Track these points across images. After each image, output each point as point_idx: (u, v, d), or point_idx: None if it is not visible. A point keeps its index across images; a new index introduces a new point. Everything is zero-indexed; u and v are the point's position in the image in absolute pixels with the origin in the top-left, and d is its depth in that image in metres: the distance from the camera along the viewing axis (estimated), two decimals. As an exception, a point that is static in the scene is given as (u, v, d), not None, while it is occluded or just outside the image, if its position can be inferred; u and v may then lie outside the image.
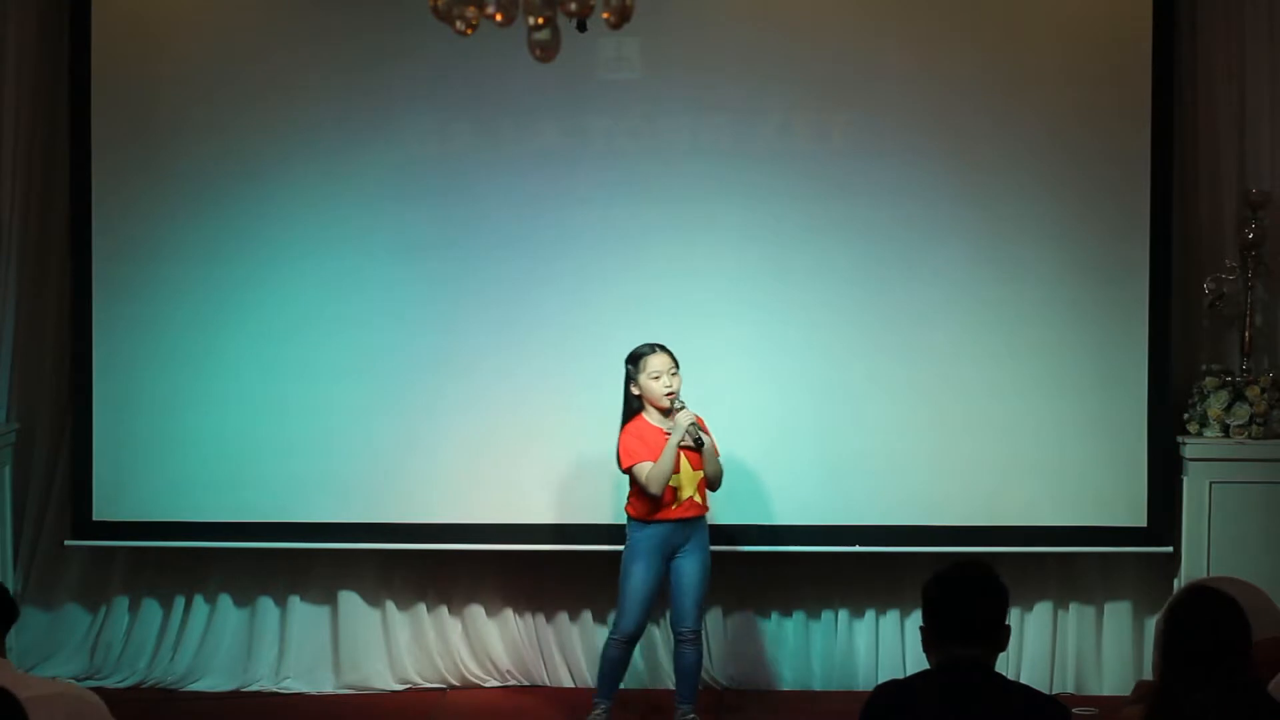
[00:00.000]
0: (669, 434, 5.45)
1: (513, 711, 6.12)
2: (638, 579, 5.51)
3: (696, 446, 5.44)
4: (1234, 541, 5.95)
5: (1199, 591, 3.35)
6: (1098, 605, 6.27)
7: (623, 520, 5.65)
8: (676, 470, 5.45)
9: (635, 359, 5.51)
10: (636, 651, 6.17)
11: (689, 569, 5.54)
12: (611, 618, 5.77)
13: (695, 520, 5.53)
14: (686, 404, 5.48)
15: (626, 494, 5.59)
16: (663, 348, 5.51)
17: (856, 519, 6.07)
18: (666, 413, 5.48)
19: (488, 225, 6.13)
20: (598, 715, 5.60)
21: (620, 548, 5.63)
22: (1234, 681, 3.14)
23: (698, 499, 5.52)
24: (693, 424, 5.43)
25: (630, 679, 6.21)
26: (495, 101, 6.10)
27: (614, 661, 5.60)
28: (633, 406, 5.54)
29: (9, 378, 6.34)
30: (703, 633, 5.70)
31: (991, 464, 6.07)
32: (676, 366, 5.50)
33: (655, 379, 5.46)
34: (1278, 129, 6.16)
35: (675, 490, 5.47)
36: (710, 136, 6.09)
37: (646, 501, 5.47)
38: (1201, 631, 3.21)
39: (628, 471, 5.49)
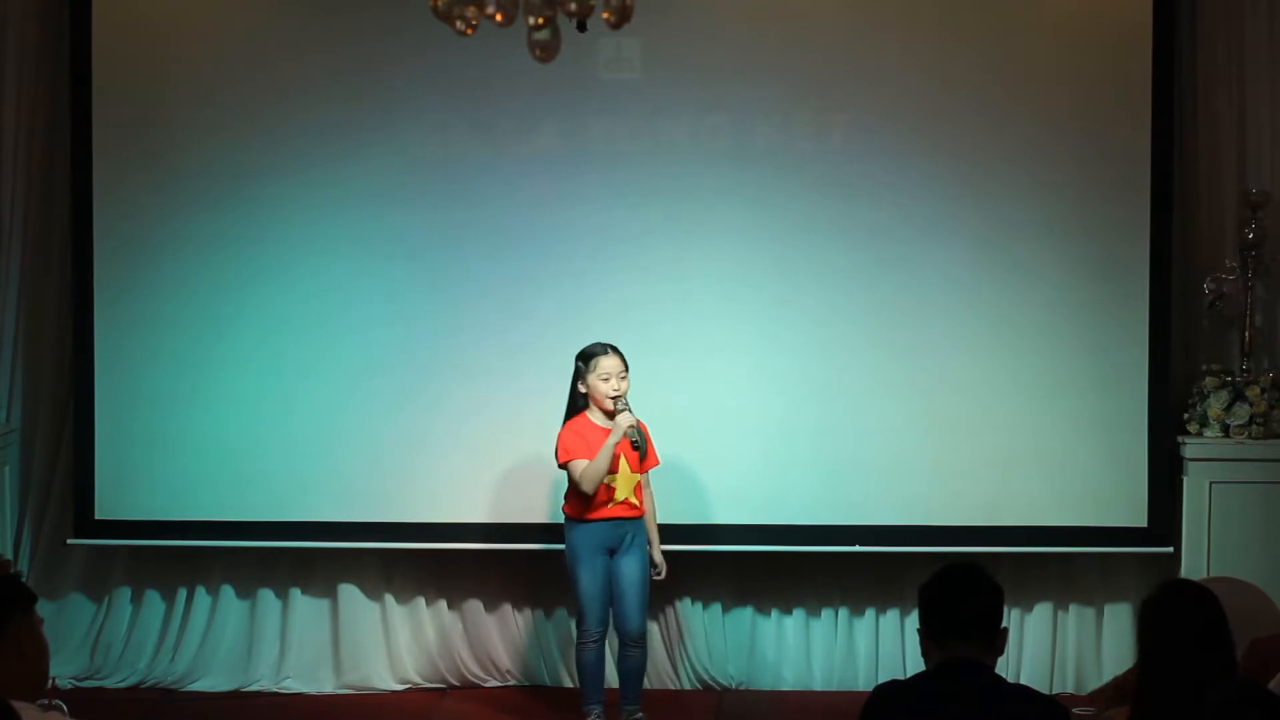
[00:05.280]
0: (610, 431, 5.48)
1: (513, 711, 6.12)
2: (587, 580, 5.52)
3: (636, 449, 5.45)
4: (1234, 541, 5.95)
5: (1173, 584, 3.37)
6: (1098, 606, 6.27)
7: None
8: (614, 471, 5.47)
9: (587, 357, 5.52)
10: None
11: (629, 570, 5.55)
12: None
13: (632, 521, 5.55)
14: (631, 407, 5.48)
15: (563, 491, 5.60)
16: (615, 349, 5.53)
17: (856, 519, 6.07)
18: (611, 414, 5.50)
19: (488, 226, 6.13)
20: None
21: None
22: (1218, 674, 3.14)
23: (634, 501, 5.54)
24: (633, 426, 5.43)
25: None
26: (496, 102, 6.10)
27: (592, 664, 5.60)
28: (577, 404, 5.55)
29: (9, 377, 6.34)
30: (647, 635, 5.68)
31: (991, 464, 6.07)
32: (626, 370, 5.51)
33: (604, 380, 5.47)
34: (1278, 129, 6.16)
35: (611, 490, 5.48)
36: (710, 136, 6.09)
37: (581, 500, 5.49)
38: (1178, 621, 3.22)
39: (564, 467, 5.50)
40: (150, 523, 6.20)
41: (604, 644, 5.63)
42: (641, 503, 5.59)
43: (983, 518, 6.05)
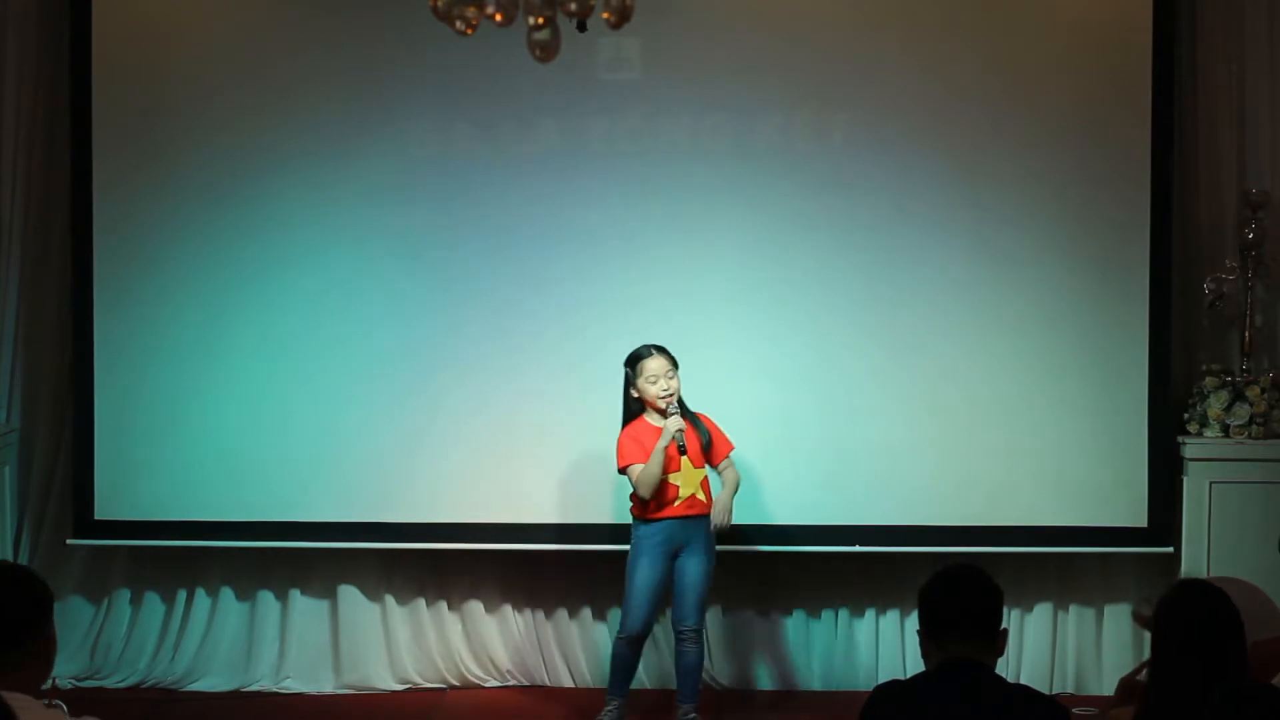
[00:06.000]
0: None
1: (513, 711, 6.12)
2: (642, 577, 5.53)
3: (681, 452, 5.45)
4: (1234, 541, 5.94)
5: (1188, 584, 3.37)
6: (1097, 606, 6.27)
7: (624, 519, 5.68)
8: (676, 469, 5.47)
9: (633, 362, 5.52)
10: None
11: (691, 568, 5.55)
12: (617, 616, 5.79)
13: (699, 519, 5.54)
14: (689, 405, 5.48)
15: (628, 493, 5.61)
16: (660, 350, 5.52)
17: (856, 519, 6.07)
18: (666, 415, 5.50)
19: (489, 226, 6.14)
20: (608, 713, 5.61)
21: (624, 547, 5.65)
22: (1229, 674, 3.15)
23: (700, 497, 5.54)
24: (679, 430, 5.43)
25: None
26: (496, 102, 6.10)
27: (622, 659, 5.61)
28: (632, 409, 5.56)
29: (9, 377, 6.34)
30: (704, 632, 5.71)
31: (991, 464, 6.07)
32: (674, 368, 5.51)
33: (652, 383, 5.48)
34: (1278, 129, 6.16)
35: (677, 488, 5.49)
36: (710, 136, 6.09)
37: (645, 501, 5.49)
38: (1191, 622, 3.22)
39: (623, 472, 5.52)
40: (150, 523, 6.20)
41: (640, 644, 5.63)
42: (709, 498, 5.56)
43: (983, 518, 6.06)
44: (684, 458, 5.48)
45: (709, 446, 5.58)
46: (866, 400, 6.09)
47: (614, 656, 5.63)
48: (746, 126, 6.09)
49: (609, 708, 5.62)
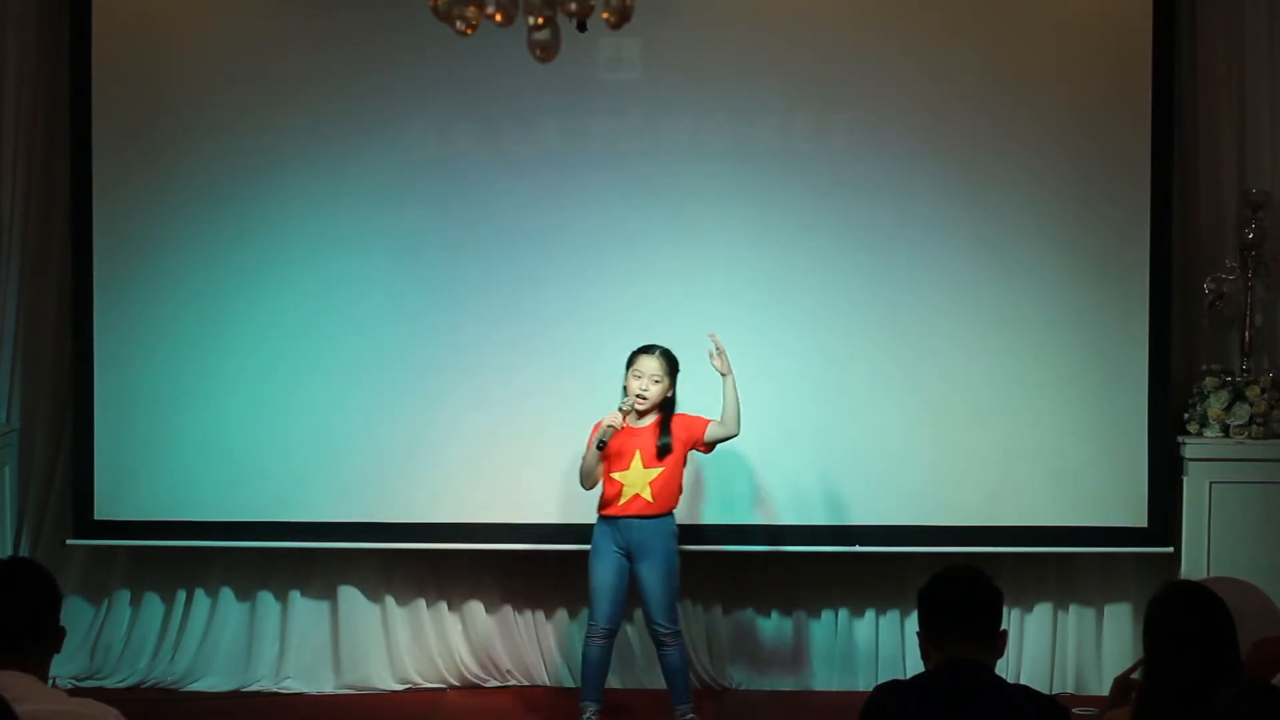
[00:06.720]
0: (635, 430, 5.50)
1: (513, 711, 6.12)
2: (593, 573, 5.55)
3: (599, 448, 5.44)
4: (1234, 541, 5.95)
5: (1177, 585, 3.38)
6: (1097, 606, 6.27)
7: None
8: (625, 468, 5.48)
9: (634, 353, 5.54)
10: (636, 651, 6.20)
11: (646, 573, 5.52)
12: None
13: (647, 521, 5.51)
14: (680, 410, 5.54)
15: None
16: (664, 353, 5.53)
17: (856, 519, 6.08)
18: (641, 414, 5.50)
19: (488, 226, 6.14)
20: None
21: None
22: (1223, 675, 3.15)
23: (647, 497, 5.51)
24: (608, 428, 5.42)
25: (629, 679, 6.23)
26: (496, 102, 6.10)
27: (589, 660, 5.57)
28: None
29: (9, 377, 6.34)
30: (681, 633, 5.66)
31: (991, 464, 6.07)
32: (667, 375, 5.50)
33: (636, 378, 5.50)
34: (1278, 129, 6.17)
35: (620, 486, 5.50)
36: (710, 136, 6.10)
37: (600, 496, 5.53)
38: (1183, 622, 3.23)
39: None
40: (150, 523, 6.20)
41: (609, 642, 5.59)
42: (659, 500, 5.50)
43: (982, 518, 6.06)
44: (636, 456, 5.46)
45: (666, 452, 5.51)
46: (866, 400, 6.08)
47: (585, 659, 5.58)
48: (746, 126, 6.09)
49: (585, 715, 5.57)
